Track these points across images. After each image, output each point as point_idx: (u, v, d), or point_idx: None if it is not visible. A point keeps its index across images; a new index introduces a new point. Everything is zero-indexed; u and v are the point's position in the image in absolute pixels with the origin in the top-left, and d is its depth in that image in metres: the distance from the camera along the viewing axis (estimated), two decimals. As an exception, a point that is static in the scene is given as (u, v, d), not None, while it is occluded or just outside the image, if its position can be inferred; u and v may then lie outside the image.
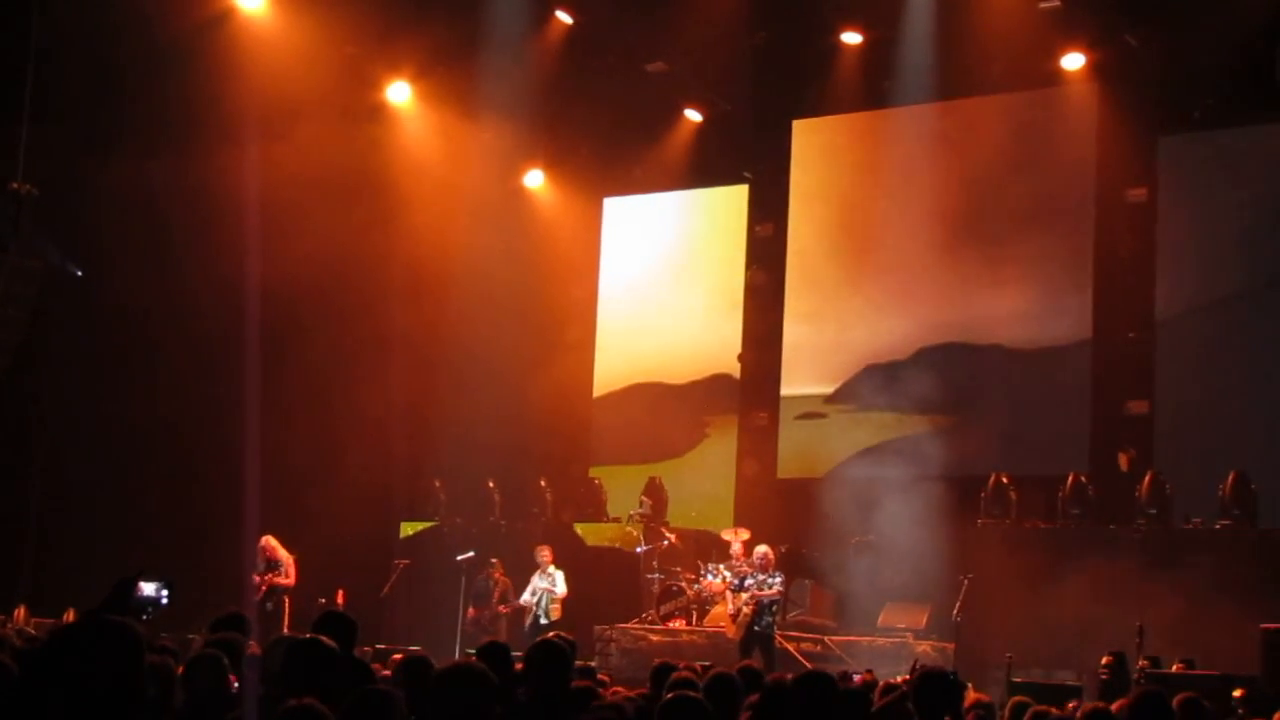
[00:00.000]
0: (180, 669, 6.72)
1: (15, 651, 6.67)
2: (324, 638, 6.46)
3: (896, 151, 22.85)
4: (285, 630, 16.81)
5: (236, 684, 6.54)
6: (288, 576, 19.00)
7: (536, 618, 19.38)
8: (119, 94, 19.65)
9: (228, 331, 19.25)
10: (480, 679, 5.93)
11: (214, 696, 6.18)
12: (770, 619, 17.93)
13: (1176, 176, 20.89)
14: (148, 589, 5.91)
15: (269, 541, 19.06)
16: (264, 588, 18.88)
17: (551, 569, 19.77)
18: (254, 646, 7.40)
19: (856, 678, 11.79)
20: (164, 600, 6.00)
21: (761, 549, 18.36)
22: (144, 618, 6.83)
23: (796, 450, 23.39)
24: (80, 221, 20.07)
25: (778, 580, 18.05)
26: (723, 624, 18.90)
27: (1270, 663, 14.47)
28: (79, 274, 20.22)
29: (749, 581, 18.03)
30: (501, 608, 20.34)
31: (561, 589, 19.68)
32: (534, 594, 19.74)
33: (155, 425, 20.40)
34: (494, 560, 20.84)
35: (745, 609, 17.88)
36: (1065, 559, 18.24)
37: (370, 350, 22.33)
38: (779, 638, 18.57)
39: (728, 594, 18.57)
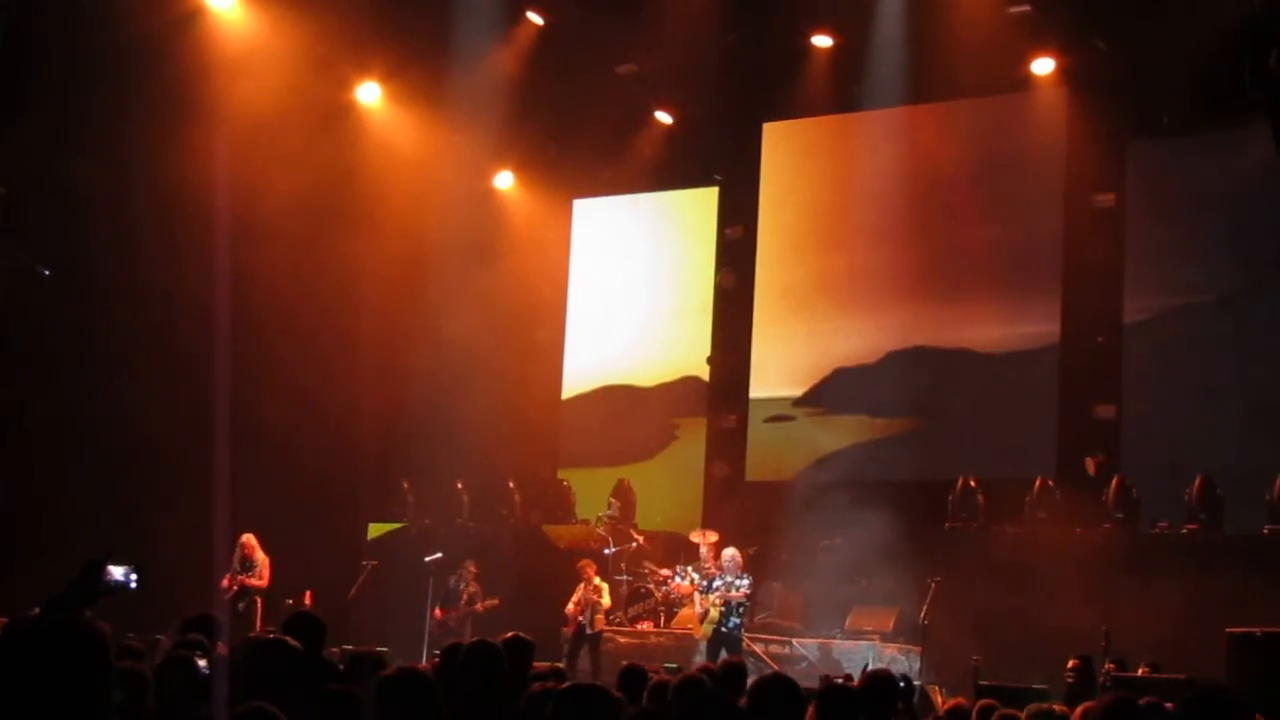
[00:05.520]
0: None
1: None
2: (289, 638, 6.44)
3: (866, 155, 22.91)
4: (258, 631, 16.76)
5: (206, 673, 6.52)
6: (260, 578, 18.93)
7: (582, 626, 19.30)
8: (88, 92, 19.54)
9: (196, 332, 19.17)
10: (424, 685, 5.94)
11: (185, 700, 6.15)
12: (738, 620, 18.00)
13: (1145, 182, 20.98)
14: (116, 573, 5.87)
15: (249, 540, 18.99)
16: (234, 588, 18.82)
17: (597, 580, 19.68)
18: (222, 648, 7.37)
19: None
20: (133, 584, 5.96)
21: (729, 551, 18.43)
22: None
23: (765, 453, 23.41)
24: (48, 220, 19.95)
25: (745, 582, 18.11)
26: (690, 626, 18.94)
27: (1235, 666, 14.51)
28: (46, 273, 20.09)
29: (717, 583, 18.09)
30: (478, 606, 20.34)
31: (606, 600, 19.63)
32: (577, 604, 19.62)
33: (123, 424, 20.28)
34: (468, 562, 20.82)
35: (713, 610, 17.94)
36: (1032, 563, 18.28)
37: (339, 351, 22.25)
38: (746, 640, 18.63)
39: (695, 596, 18.61)
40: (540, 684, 7.62)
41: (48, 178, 19.46)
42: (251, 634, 14.67)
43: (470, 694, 7.09)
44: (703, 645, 18.22)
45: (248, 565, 18.92)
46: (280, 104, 20.19)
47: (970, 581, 18.19)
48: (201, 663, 6.61)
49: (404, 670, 6.23)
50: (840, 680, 11.69)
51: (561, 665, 16.70)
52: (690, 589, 19.04)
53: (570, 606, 19.53)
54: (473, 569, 20.78)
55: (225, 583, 18.80)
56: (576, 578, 19.67)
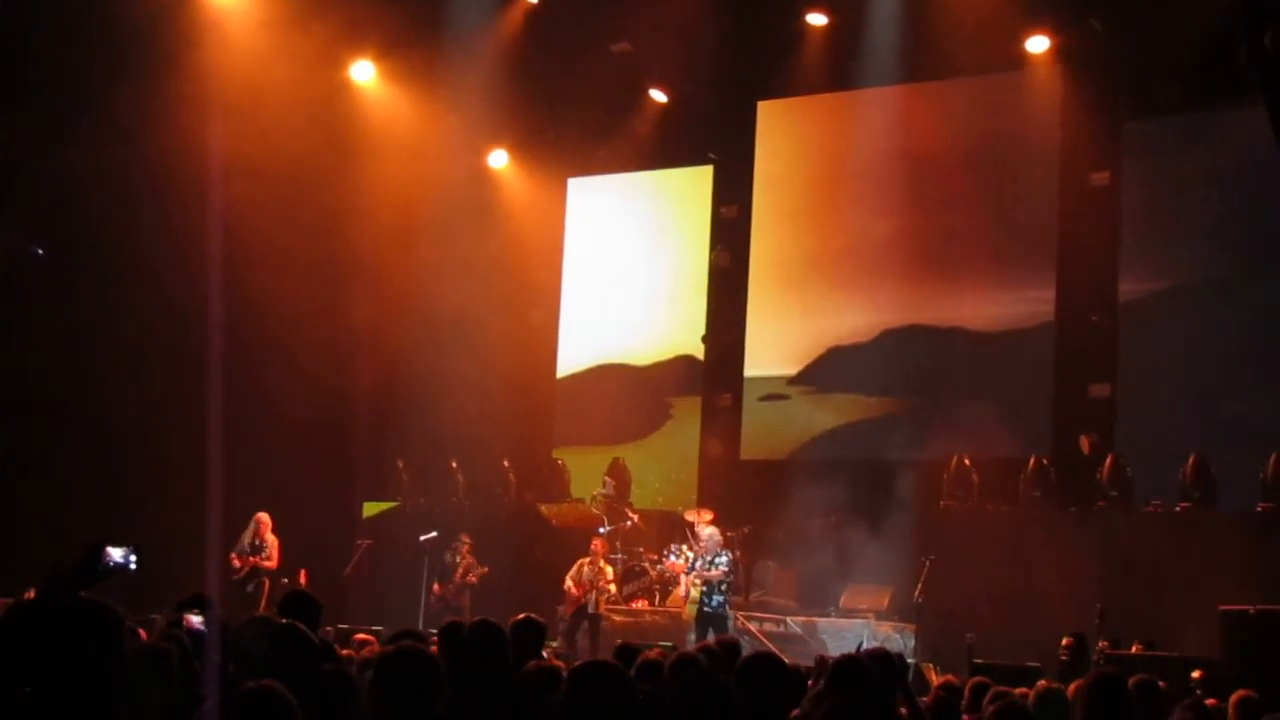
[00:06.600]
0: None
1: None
2: (300, 624, 6.45)
3: (862, 133, 22.87)
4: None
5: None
6: (270, 559, 18.93)
7: (584, 605, 19.26)
8: (81, 73, 19.49)
9: (191, 312, 19.14)
10: (425, 662, 5.94)
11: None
12: (721, 598, 18.02)
13: (1140, 161, 20.95)
14: (115, 554, 5.87)
15: (265, 519, 19.00)
16: (245, 569, 18.81)
17: (603, 563, 19.65)
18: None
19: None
20: (132, 566, 5.97)
21: (708, 530, 18.50)
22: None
23: (760, 432, 23.41)
24: (43, 201, 19.92)
25: (723, 559, 18.14)
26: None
27: (1229, 645, 14.56)
28: (39, 253, 20.07)
29: (699, 563, 18.14)
30: (470, 577, 20.35)
31: (612, 588, 19.60)
32: (579, 584, 19.57)
33: (117, 403, 20.27)
34: (464, 537, 20.83)
35: (693, 590, 17.99)
36: (1027, 541, 18.33)
37: (333, 330, 22.25)
38: (740, 618, 18.67)
39: (683, 575, 18.67)
40: (535, 663, 7.62)
41: (42, 159, 19.43)
42: (256, 614, 14.61)
43: (471, 674, 7.09)
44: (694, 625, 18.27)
45: (258, 546, 18.92)
46: (275, 82, 20.14)
47: (964, 560, 18.23)
48: (196, 619, 6.62)
49: (405, 648, 6.23)
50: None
51: (556, 644, 16.77)
52: (683, 567, 19.08)
53: (570, 585, 19.52)
54: (467, 542, 20.77)
55: (237, 563, 18.80)
56: (584, 552, 19.65)
